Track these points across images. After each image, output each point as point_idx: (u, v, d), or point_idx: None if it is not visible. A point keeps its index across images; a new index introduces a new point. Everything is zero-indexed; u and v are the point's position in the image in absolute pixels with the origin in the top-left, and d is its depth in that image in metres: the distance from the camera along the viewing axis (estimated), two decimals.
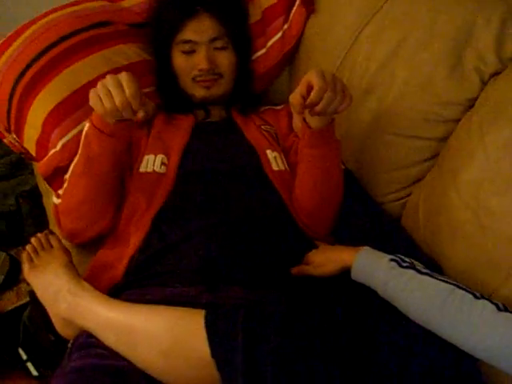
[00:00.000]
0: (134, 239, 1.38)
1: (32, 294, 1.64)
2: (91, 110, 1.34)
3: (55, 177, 1.58)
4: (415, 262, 1.20)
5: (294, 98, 1.23)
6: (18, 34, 1.73)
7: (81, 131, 1.48)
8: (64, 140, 1.57)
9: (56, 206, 1.52)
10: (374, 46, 1.63)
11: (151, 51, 1.77)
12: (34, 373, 1.75)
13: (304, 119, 1.37)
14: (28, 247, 1.41)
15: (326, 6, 1.84)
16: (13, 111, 1.65)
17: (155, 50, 1.74)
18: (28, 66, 1.63)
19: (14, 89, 1.63)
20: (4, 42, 1.73)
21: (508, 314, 1.00)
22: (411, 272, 1.14)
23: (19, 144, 1.74)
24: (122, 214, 1.46)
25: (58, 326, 1.28)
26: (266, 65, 1.92)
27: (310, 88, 1.21)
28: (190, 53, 1.63)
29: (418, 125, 1.51)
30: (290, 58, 1.99)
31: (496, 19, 1.38)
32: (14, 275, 2.07)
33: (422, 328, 1.11)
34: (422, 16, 1.51)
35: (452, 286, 1.09)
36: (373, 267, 1.20)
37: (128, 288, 1.29)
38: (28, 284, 1.44)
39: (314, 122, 1.35)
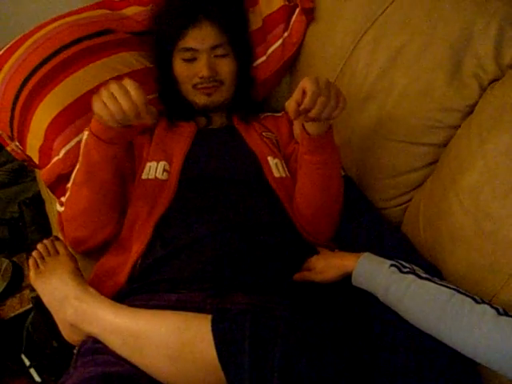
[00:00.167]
0: (137, 246, 1.38)
1: (35, 300, 1.65)
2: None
3: (58, 184, 1.59)
4: (415, 268, 1.21)
5: (290, 104, 1.23)
6: (20, 42, 1.74)
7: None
8: (67, 147, 1.58)
9: (60, 214, 1.52)
10: (374, 54, 1.63)
11: (152, 59, 1.78)
12: (37, 379, 1.76)
13: (303, 126, 1.38)
14: (34, 253, 1.41)
15: (325, 14, 1.85)
16: (16, 119, 1.65)
17: (156, 57, 1.75)
18: (31, 75, 1.64)
19: (16, 97, 1.64)
20: (7, 51, 1.74)
21: (508, 318, 1.01)
22: (411, 277, 1.15)
23: (22, 151, 1.74)
24: (124, 220, 1.46)
25: (65, 331, 1.29)
26: (267, 72, 1.93)
27: (304, 94, 1.22)
28: (191, 60, 1.63)
29: (418, 131, 1.52)
30: (291, 66, 2.00)
31: (495, 26, 1.38)
32: (17, 282, 2.07)
33: (422, 333, 1.12)
34: (421, 23, 1.52)
35: (452, 291, 1.10)
36: (373, 273, 1.21)
37: (132, 294, 1.30)
38: (32, 290, 1.45)
39: (312, 128, 1.35)
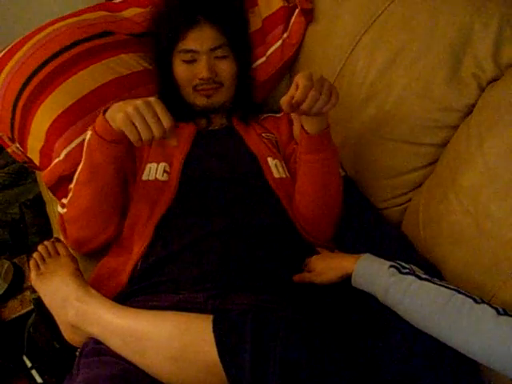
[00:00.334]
0: (138, 247, 1.39)
1: (36, 302, 1.66)
2: (94, 119, 1.36)
3: (59, 186, 1.60)
4: (415, 268, 1.21)
5: (284, 98, 1.24)
6: (20, 44, 1.74)
7: (84, 140, 1.49)
8: (68, 149, 1.59)
9: (61, 215, 1.53)
10: (373, 54, 1.64)
11: (152, 60, 1.78)
12: (39, 380, 1.76)
13: (302, 125, 1.39)
14: (35, 255, 1.42)
15: (324, 14, 1.86)
16: (16, 121, 1.66)
17: (156, 59, 1.75)
18: (31, 77, 1.64)
19: (17, 99, 1.64)
20: (7, 53, 1.75)
21: (508, 317, 1.01)
22: (411, 278, 1.15)
23: (23, 153, 1.75)
24: (125, 221, 1.47)
25: (66, 333, 1.29)
26: (266, 73, 1.93)
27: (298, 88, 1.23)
28: (190, 62, 1.63)
29: (417, 131, 1.52)
30: (290, 66, 2.01)
31: (493, 26, 1.38)
32: (18, 283, 2.07)
33: (422, 333, 1.13)
34: (421, 23, 1.52)
35: (452, 291, 1.10)
36: (373, 274, 1.21)
37: (133, 295, 1.30)
38: (33, 292, 1.45)
39: (310, 126, 1.36)
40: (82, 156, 1.43)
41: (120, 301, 1.25)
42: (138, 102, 1.21)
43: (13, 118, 1.66)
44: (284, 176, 1.56)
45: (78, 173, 1.45)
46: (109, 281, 1.38)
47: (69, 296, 1.27)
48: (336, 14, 1.80)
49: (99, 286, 1.33)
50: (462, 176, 1.34)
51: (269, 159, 1.58)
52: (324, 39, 1.84)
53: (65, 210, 1.50)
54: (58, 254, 1.42)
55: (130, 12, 1.92)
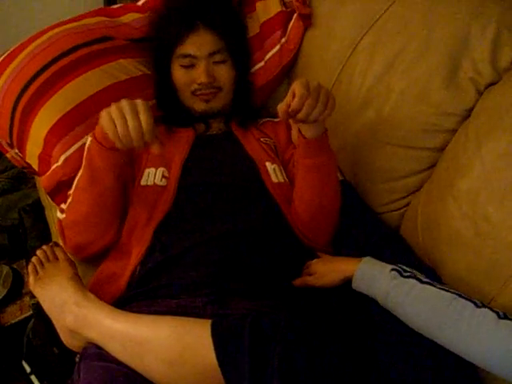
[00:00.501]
0: (136, 252, 1.39)
1: (35, 307, 1.65)
2: (93, 124, 1.36)
3: (58, 191, 1.60)
4: (416, 272, 1.21)
5: (281, 106, 1.25)
6: (19, 50, 1.74)
7: (82, 145, 1.49)
8: (66, 154, 1.58)
9: (60, 220, 1.52)
10: (371, 59, 1.64)
11: (151, 65, 1.78)
12: None
13: (299, 130, 1.39)
14: (33, 259, 1.41)
15: (323, 19, 1.86)
16: (15, 126, 1.66)
17: (155, 64, 1.75)
18: (30, 82, 1.64)
19: (16, 104, 1.64)
20: (6, 58, 1.74)
21: (508, 321, 1.01)
22: (412, 281, 1.15)
23: (21, 159, 1.75)
24: (123, 226, 1.47)
25: (65, 337, 1.29)
26: (265, 78, 1.94)
27: (294, 96, 1.24)
28: (189, 67, 1.63)
29: (416, 135, 1.52)
30: (288, 71, 2.01)
31: (491, 30, 1.39)
32: (18, 289, 2.07)
33: (422, 337, 1.13)
34: (418, 28, 1.53)
35: (453, 295, 1.10)
36: (374, 277, 1.21)
37: (132, 300, 1.30)
38: (32, 297, 1.45)
39: (307, 131, 1.36)
40: (80, 161, 1.43)
41: (119, 306, 1.25)
42: (123, 102, 1.21)
43: (11, 124, 1.66)
44: (282, 181, 1.56)
45: (77, 178, 1.45)
46: (107, 286, 1.38)
47: (67, 301, 1.26)
48: (334, 18, 1.81)
49: (98, 290, 1.33)
50: (460, 180, 1.34)
51: (267, 164, 1.58)
52: (322, 44, 1.85)
53: (64, 215, 1.49)
54: (57, 258, 1.42)
55: (128, 17, 1.92)
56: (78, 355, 1.24)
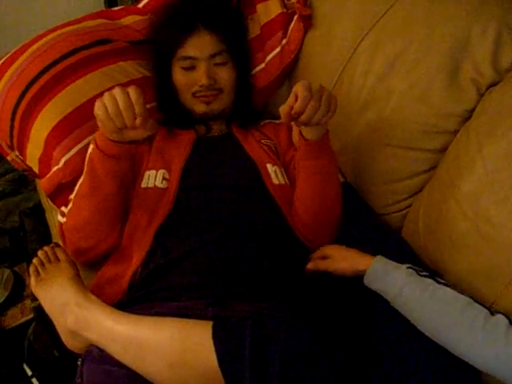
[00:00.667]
0: (137, 254, 1.38)
1: (36, 310, 1.65)
2: (93, 126, 1.35)
3: (58, 193, 1.60)
4: (432, 274, 1.21)
5: (283, 108, 1.24)
6: (19, 52, 1.74)
7: (83, 148, 1.49)
8: (66, 157, 1.58)
9: (61, 224, 1.52)
10: (372, 59, 1.64)
11: (151, 68, 1.78)
12: None
13: (300, 131, 1.39)
14: (35, 260, 1.41)
15: (323, 20, 1.86)
16: (15, 129, 1.66)
17: (156, 66, 1.75)
18: (30, 84, 1.64)
19: (16, 106, 1.64)
20: (6, 61, 1.75)
21: None
22: (429, 281, 1.16)
23: (22, 161, 1.75)
24: (124, 229, 1.46)
25: (65, 338, 1.28)
26: (266, 80, 1.94)
27: (297, 98, 1.23)
28: (190, 69, 1.63)
29: (417, 136, 1.52)
30: (289, 73, 2.01)
31: (492, 31, 1.39)
32: (19, 291, 2.07)
33: (424, 340, 1.12)
34: (419, 29, 1.53)
35: (469, 299, 1.11)
36: (389, 272, 1.22)
37: (133, 303, 1.29)
38: (33, 300, 1.44)
39: (308, 133, 1.36)
40: (81, 164, 1.43)
41: (120, 308, 1.24)
42: (116, 88, 1.22)
43: (12, 126, 1.66)
44: (283, 182, 1.56)
45: (78, 185, 1.44)
46: (109, 288, 1.37)
47: (68, 302, 1.26)
48: (335, 19, 1.81)
49: (99, 293, 1.32)
50: (462, 181, 1.34)
51: (268, 166, 1.57)
52: (323, 45, 1.84)
53: (64, 219, 1.49)
54: (58, 259, 1.41)
55: (129, 19, 1.92)
56: (80, 359, 1.23)
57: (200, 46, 1.62)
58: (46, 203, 1.88)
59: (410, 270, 1.20)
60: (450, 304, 1.10)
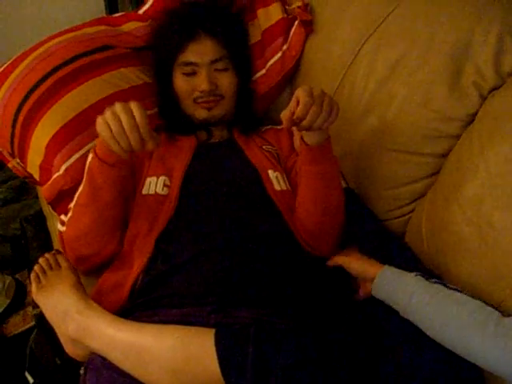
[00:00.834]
0: (138, 261, 1.38)
1: (38, 317, 1.65)
2: (94, 133, 1.34)
3: (59, 201, 1.59)
4: (441, 280, 1.21)
5: (284, 113, 1.24)
6: (20, 59, 1.74)
7: (84, 155, 1.49)
8: (67, 164, 1.58)
9: (61, 233, 1.52)
10: (373, 64, 1.64)
11: (152, 74, 1.78)
12: None
13: (301, 137, 1.38)
14: (36, 267, 1.41)
15: (324, 26, 1.86)
16: (16, 136, 1.66)
17: (156, 72, 1.75)
18: (30, 91, 1.64)
19: (17, 113, 1.65)
20: (7, 68, 1.75)
21: None
22: (439, 286, 1.16)
23: (23, 168, 1.75)
24: (125, 236, 1.46)
25: (67, 346, 1.28)
26: (267, 85, 1.94)
27: (298, 104, 1.23)
28: (191, 75, 1.63)
29: (419, 141, 1.52)
30: (291, 78, 2.01)
31: (494, 34, 1.38)
32: (20, 299, 2.07)
33: (428, 347, 1.12)
34: (420, 33, 1.52)
35: (480, 303, 1.10)
36: (398, 280, 1.22)
37: (135, 310, 1.29)
38: (35, 307, 1.44)
39: (310, 138, 1.35)
40: (82, 171, 1.43)
41: (122, 316, 1.24)
42: (116, 104, 1.21)
43: (13, 133, 1.66)
44: (285, 188, 1.55)
45: (77, 194, 1.44)
46: (110, 295, 1.37)
47: (70, 309, 1.26)
48: (336, 24, 1.81)
49: (100, 300, 1.32)
50: (465, 185, 1.34)
51: (269, 172, 1.57)
52: (324, 50, 1.85)
53: (64, 228, 1.49)
54: (59, 266, 1.41)
55: (129, 26, 1.93)
56: (83, 367, 1.23)
57: (201, 51, 1.62)
58: (48, 210, 1.88)
59: (419, 276, 1.20)
60: (461, 307, 1.10)
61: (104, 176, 1.35)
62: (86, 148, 1.57)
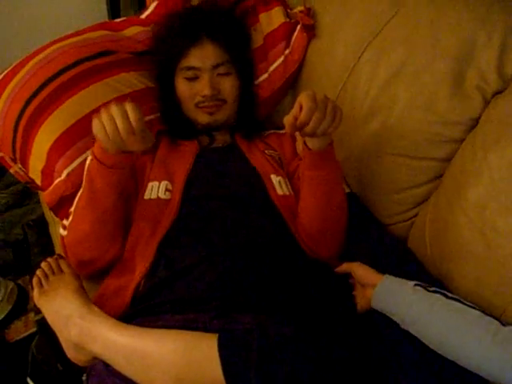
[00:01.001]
0: (140, 266, 1.37)
1: (40, 323, 1.64)
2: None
3: (61, 206, 1.59)
4: (440, 289, 1.20)
5: (287, 119, 1.23)
6: (21, 65, 1.74)
7: (86, 160, 1.48)
8: (69, 169, 1.58)
9: (62, 237, 1.51)
10: (376, 68, 1.63)
11: (154, 78, 1.78)
12: None
13: (304, 141, 1.38)
14: (38, 272, 1.40)
15: (326, 29, 1.86)
16: (18, 141, 1.66)
17: (158, 77, 1.75)
18: (32, 97, 1.64)
19: (19, 119, 1.64)
20: (8, 74, 1.75)
21: None
22: (438, 296, 1.15)
23: (25, 174, 1.74)
24: (127, 241, 1.45)
25: (69, 351, 1.27)
26: (269, 90, 1.94)
27: (301, 109, 1.22)
28: (193, 79, 1.63)
29: (422, 145, 1.51)
30: (293, 83, 2.01)
31: (497, 38, 1.38)
32: (22, 304, 2.06)
33: (429, 353, 1.12)
34: (423, 37, 1.52)
35: (480, 312, 1.10)
36: (396, 291, 1.21)
37: (137, 316, 1.28)
38: (37, 313, 1.43)
39: (313, 143, 1.35)
40: (83, 176, 1.42)
41: (124, 321, 1.23)
42: (112, 106, 1.21)
43: (14, 138, 1.66)
44: (288, 193, 1.55)
45: (78, 197, 1.44)
46: (112, 300, 1.36)
47: (72, 314, 1.25)
48: (338, 29, 1.81)
49: (102, 305, 1.31)
50: (468, 190, 1.33)
51: (272, 176, 1.57)
52: (326, 54, 1.84)
53: (65, 232, 1.49)
54: (62, 271, 1.41)
55: (131, 31, 1.93)
56: (85, 374, 1.22)
57: (203, 56, 1.62)
58: (49, 216, 1.88)
59: (418, 286, 1.19)
60: (460, 316, 1.10)
61: (103, 178, 1.34)
62: (88, 152, 1.56)
